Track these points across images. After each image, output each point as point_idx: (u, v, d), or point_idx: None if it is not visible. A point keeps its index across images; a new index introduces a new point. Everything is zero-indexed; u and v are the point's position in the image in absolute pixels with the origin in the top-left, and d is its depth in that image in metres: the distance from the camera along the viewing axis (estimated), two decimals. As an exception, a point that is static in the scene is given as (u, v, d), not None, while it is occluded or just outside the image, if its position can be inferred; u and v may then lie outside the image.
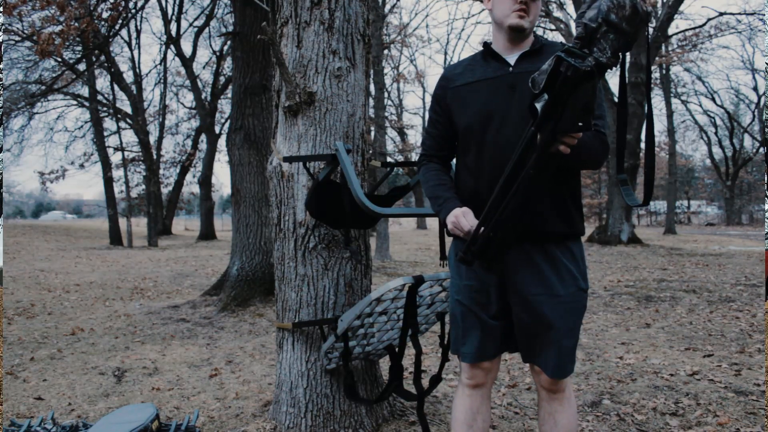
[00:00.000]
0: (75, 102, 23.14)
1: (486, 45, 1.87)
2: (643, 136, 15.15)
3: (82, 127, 24.03)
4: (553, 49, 1.74)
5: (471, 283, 1.82)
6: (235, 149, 6.53)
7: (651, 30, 15.56)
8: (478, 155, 1.78)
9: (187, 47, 22.12)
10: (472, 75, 1.83)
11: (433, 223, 29.98)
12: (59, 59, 16.07)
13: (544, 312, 1.71)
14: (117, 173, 22.17)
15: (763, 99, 29.30)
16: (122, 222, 20.99)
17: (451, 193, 1.83)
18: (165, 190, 25.83)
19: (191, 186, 27.26)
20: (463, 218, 1.70)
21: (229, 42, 17.51)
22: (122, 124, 21.74)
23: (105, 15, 10.29)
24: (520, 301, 1.74)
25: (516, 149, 1.51)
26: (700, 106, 42.50)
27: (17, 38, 13.61)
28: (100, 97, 21.72)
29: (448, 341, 2.00)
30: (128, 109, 21.96)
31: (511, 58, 1.79)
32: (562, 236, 1.75)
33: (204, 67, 23.94)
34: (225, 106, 23.24)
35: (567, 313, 1.73)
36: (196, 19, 22.28)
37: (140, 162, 22.41)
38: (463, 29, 42.20)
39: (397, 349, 2.47)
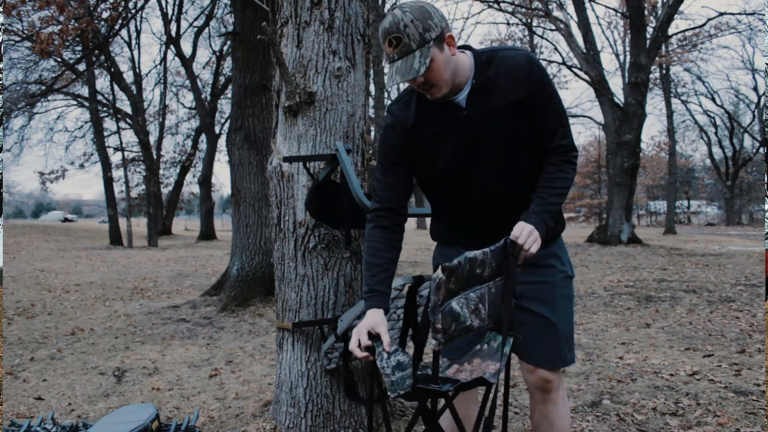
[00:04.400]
0: (75, 102, 23.16)
1: None
2: (643, 136, 15.17)
3: (82, 127, 24.07)
4: (499, 70, 1.62)
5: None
6: (235, 149, 6.54)
7: (651, 30, 15.56)
8: (456, 194, 1.75)
9: (187, 47, 22.15)
10: (430, 124, 1.68)
11: (433, 223, 29.91)
12: (59, 59, 16.07)
13: (537, 300, 1.72)
14: (117, 173, 22.20)
15: (763, 99, 29.31)
16: (122, 222, 20.99)
17: (381, 286, 1.68)
18: (165, 190, 25.85)
19: (191, 186, 27.29)
20: (365, 334, 1.57)
21: (229, 42, 17.51)
22: (122, 124, 21.77)
23: (105, 15, 10.29)
24: (523, 303, 1.74)
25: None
26: (700, 106, 42.49)
27: (17, 38, 13.60)
28: (100, 97, 21.74)
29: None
30: (128, 109, 21.98)
31: (461, 99, 1.65)
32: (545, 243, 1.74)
33: (204, 67, 23.97)
34: (225, 106, 23.27)
35: (558, 298, 1.73)
36: (196, 19, 22.30)
37: (140, 162, 22.43)
38: (463, 29, 42.11)
39: (397, 349, 2.47)
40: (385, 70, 23.02)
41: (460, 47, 1.66)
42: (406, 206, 1.80)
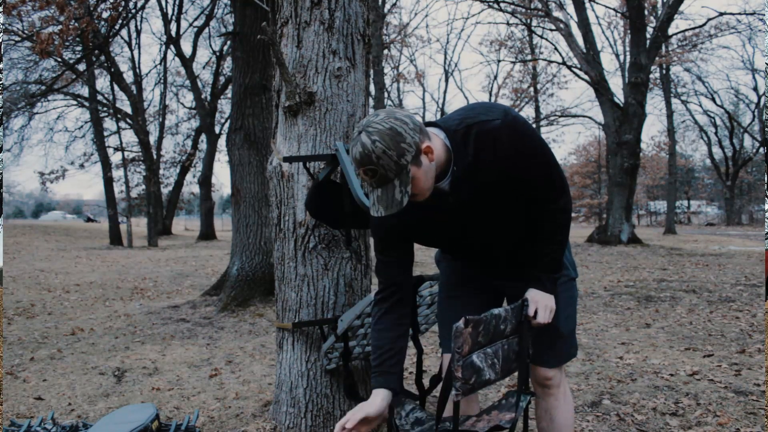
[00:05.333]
0: (75, 102, 23.15)
1: None
2: (643, 136, 15.17)
3: (82, 127, 24.06)
4: (478, 144, 1.53)
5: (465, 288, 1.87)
6: (235, 149, 6.54)
7: (651, 30, 15.56)
8: (456, 251, 1.84)
9: (187, 47, 22.15)
10: (416, 209, 1.60)
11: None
12: (59, 59, 16.08)
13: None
14: (117, 173, 22.20)
15: (763, 99, 29.31)
16: (104, 222, 20.97)
17: (384, 366, 1.64)
18: (165, 190, 25.85)
19: (191, 186, 27.31)
20: (357, 417, 1.54)
21: (229, 42, 17.51)
22: (122, 124, 21.77)
23: (105, 15, 10.30)
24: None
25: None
26: (700, 106, 42.41)
27: (17, 38, 13.60)
28: (100, 97, 21.73)
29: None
30: (128, 109, 21.97)
31: (444, 184, 1.59)
32: None
33: (204, 67, 23.96)
34: (225, 106, 23.27)
35: (560, 300, 1.74)
36: (196, 19, 22.30)
37: (140, 162, 22.43)
38: (462, 29, 42.30)
39: (397, 349, 2.47)
40: (386, 70, 23.02)
41: (427, 124, 1.58)
42: (410, 277, 1.77)
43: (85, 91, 21.95)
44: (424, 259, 13.17)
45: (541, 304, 1.64)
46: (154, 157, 22.71)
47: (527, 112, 27.80)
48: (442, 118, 1.63)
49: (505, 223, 1.68)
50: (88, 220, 44.35)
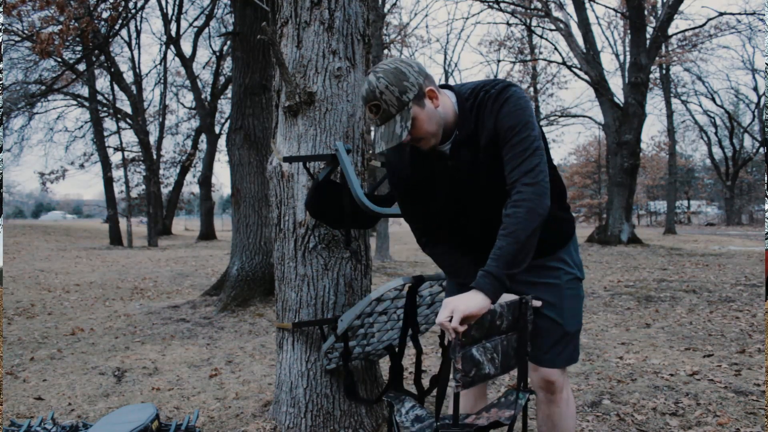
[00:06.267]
0: (75, 102, 23.15)
1: None
2: (643, 136, 15.16)
3: (82, 127, 24.06)
4: (479, 111, 1.60)
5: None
6: (235, 149, 6.54)
7: (651, 30, 15.56)
8: (450, 224, 1.80)
9: (187, 47, 22.16)
10: (420, 170, 1.73)
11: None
12: (59, 59, 16.08)
13: (542, 301, 1.72)
14: (117, 173, 22.20)
15: (763, 99, 29.31)
16: (122, 222, 20.99)
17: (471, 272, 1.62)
18: (165, 190, 25.85)
19: (191, 186, 27.30)
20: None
21: (229, 42, 17.51)
22: (122, 124, 21.76)
23: (105, 15, 10.29)
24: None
25: None
26: (700, 106, 42.51)
27: (17, 38, 13.60)
28: (100, 97, 21.73)
29: (449, 341, 1.99)
30: (128, 109, 21.97)
31: (446, 147, 1.68)
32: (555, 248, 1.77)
33: (204, 67, 23.96)
34: (225, 106, 23.26)
35: (566, 299, 1.73)
36: (196, 19, 22.29)
37: (140, 162, 22.42)
38: (462, 29, 42.32)
39: (397, 349, 2.47)
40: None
41: (443, 86, 1.66)
42: (445, 233, 1.83)
43: (85, 91, 21.95)
44: (425, 259, 13.16)
45: (451, 306, 1.44)
46: (154, 157, 22.71)
47: (527, 112, 27.68)
48: (458, 84, 1.70)
49: (496, 202, 1.65)
50: (108, 219, 44.31)
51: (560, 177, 1.80)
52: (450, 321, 1.42)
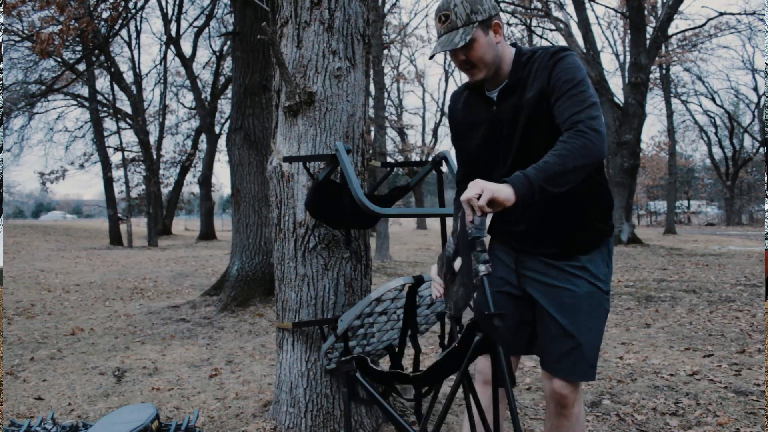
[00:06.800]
0: (75, 102, 23.16)
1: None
2: (643, 136, 15.15)
3: (82, 127, 24.07)
4: (532, 68, 1.67)
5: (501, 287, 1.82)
6: (235, 149, 6.54)
7: (651, 30, 15.56)
8: (485, 176, 1.78)
9: (187, 47, 22.15)
10: (467, 113, 1.84)
11: (433, 223, 29.97)
12: (59, 59, 16.08)
13: (555, 305, 1.70)
14: (117, 173, 22.20)
15: (763, 99, 29.31)
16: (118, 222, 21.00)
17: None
18: (165, 190, 25.84)
19: (191, 186, 27.27)
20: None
21: (229, 42, 17.51)
22: (122, 124, 21.76)
23: (105, 15, 10.29)
24: (544, 304, 1.73)
25: None
26: (700, 106, 42.49)
27: (17, 38, 13.60)
28: (100, 97, 21.73)
29: (449, 341, 1.99)
30: (128, 109, 21.97)
31: (494, 93, 1.75)
32: (582, 248, 1.74)
33: (204, 67, 23.96)
34: (225, 106, 23.25)
35: (583, 310, 1.69)
36: (196, 19, 22.30)
37: (140, 162, 22.42)
38: (462, 29, 42.08)
39: (397, 349, 2.47)
40: (386, 70, 23.00)
41: (510, 44, 1.77)
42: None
43: (85, 91, 21.95)
44: (425, 259, 13.17)
45: (481, 185, 1.45)
46: (154, 157, 22.70)
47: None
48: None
49: (530, 157, 1.60)
50: (119, 220, 44.36)
51: (609, 189, 1.79)
52: (478, 199, 1.44)
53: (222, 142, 22.57)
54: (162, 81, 23.81)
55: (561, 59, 1.64)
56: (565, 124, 1.56)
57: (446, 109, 2.12)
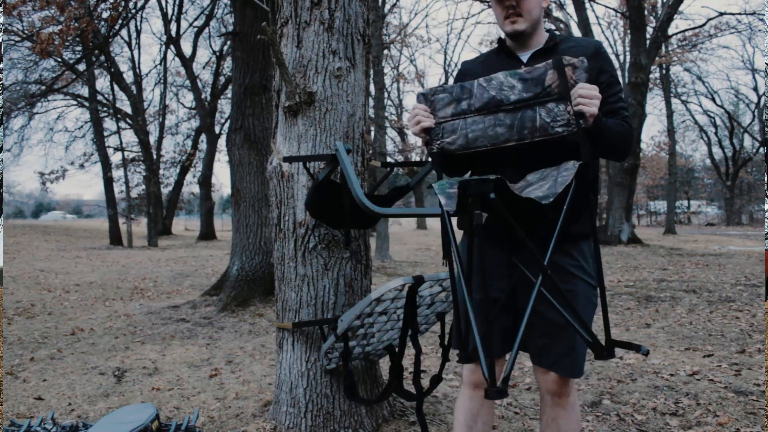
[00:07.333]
0: (75, 102, 23.15)
1: (501, 41, 1.87)
2: (643, 136, 15.14)
3: (82, 127, 24.06)
4: (568, 45, 1.76)
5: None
6: (235, 149, 6.54)
7: (651, 30, 15.56)
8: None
9: (187, 47, 22.16)
10: (485, 69, 1.80)
11: (433, 223, 29.97)
12: (59, 59, 16.08)
13: (556, 306, 1.70)
14: (117, 173, 22.19)
15: (763, 99, 29.31)
16: (122, 222, 21.00)
17: None
18: (165, 190, 25.84)
19: (191, 186, 27.28)
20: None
21: (229, 42, 17.51)
22: (122, 124, 21.76)
23: (105, 15, 10.30)
24: (537, 299, 1.72)
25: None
26: (700, 106, 42.55)
27: (17, 38, 13.60)
28: (100, 97, 21.73)
29: (449, 341, 1.99)
30: (128, 109, 21.97)
31: (524, 56, 1.79)
32: (574, 236, 1.75)
33: (204, 67, 23.97)
34: (225, 106, 23.26)
35: (580, 306, 1.71)
36: (196, 19, 22.29)
37: (140, 162, 22.42)
38: (462, 29, 42.41)
39: (397, 349, 2.47)
40: (386, 70, 23.00)
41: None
42: None
43: (85, 91, 21.95)
44: (425, 259, 13.17)
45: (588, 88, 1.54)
46: (154, 157, 22.71)
47: (527, 112, 27.69)
48: None
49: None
50: (128, 217, 44.30)
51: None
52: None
53: (222, 142, 22.59)
54: (162, 81, 23.83)
55: (606, 53, 1.77)
56: (609, 107, 1.71)
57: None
